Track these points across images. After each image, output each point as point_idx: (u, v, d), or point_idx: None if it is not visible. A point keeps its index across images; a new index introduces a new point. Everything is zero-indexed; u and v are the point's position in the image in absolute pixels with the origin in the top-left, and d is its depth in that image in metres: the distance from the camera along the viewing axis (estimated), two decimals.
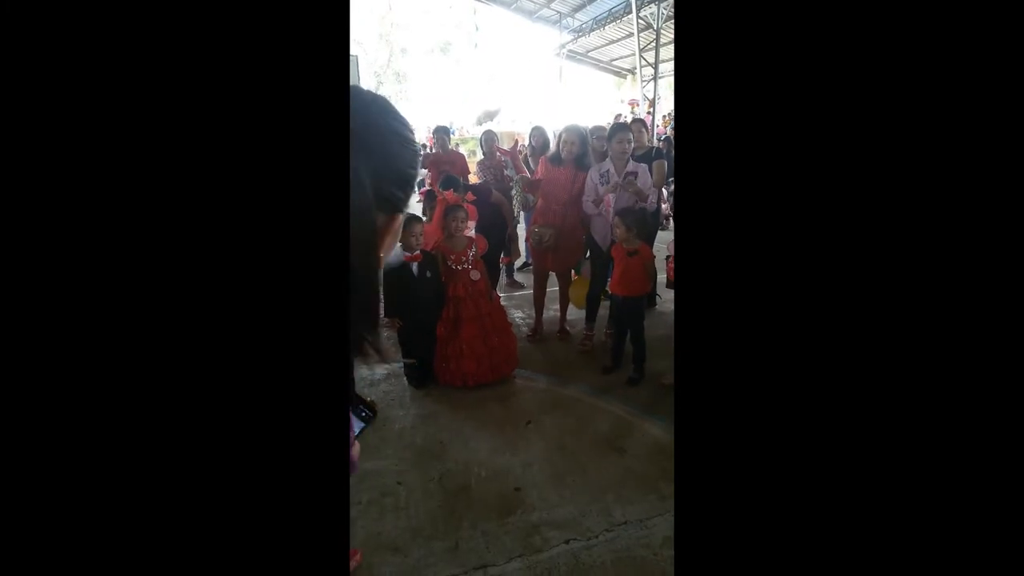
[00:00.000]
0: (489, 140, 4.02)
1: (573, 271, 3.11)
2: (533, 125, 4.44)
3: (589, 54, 14.09)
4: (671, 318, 3.51)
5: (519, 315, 3.64)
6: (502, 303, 2.97)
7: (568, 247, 2.96)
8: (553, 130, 4.18)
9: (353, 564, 1.49)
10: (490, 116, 6.70)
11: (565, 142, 2.89)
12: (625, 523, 1.66)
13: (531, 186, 3.23)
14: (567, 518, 1.69)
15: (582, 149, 2.92)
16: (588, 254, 3.07)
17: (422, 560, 1.53)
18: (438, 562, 1.53)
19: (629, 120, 4.95)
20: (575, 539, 1.60)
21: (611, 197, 2.79)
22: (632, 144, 2.87)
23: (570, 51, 14.23)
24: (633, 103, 12.62)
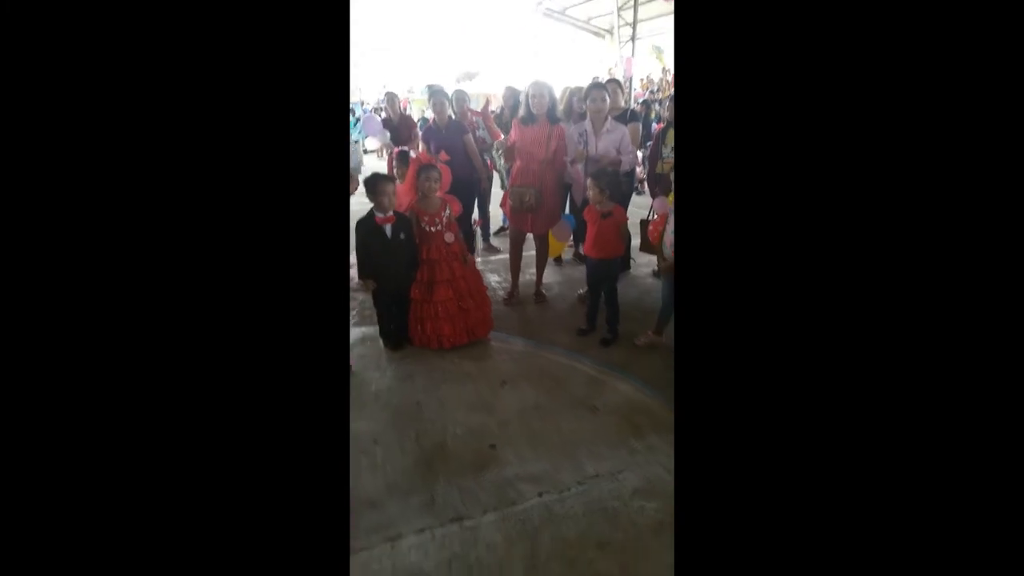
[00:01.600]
0: (460, 100, 3.80)
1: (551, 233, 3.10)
2: (506, 86, 4.31)
3: (567, 12, 13.67)
4: (645, 281, 3.56)
5: (495, 279, 3.64)
6: (478, 267, 2.96)
7: (548, 207, 2.94)
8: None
9: None
10: (469, 76, 6.49)
11: (532, 97, 2.84)
12: (596, 476, 1.72)
13: (508, 152, 3.17)
14: (540, 472, 1.74)
15: (551, 103, 2.88)
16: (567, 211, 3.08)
17: (398, 514, 1.57)
18: (414, 516, 1.56)
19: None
20: (548, 492, 1.65)
21: (580, 167, 2.77)
22: (607, 103, 2.84)
23: (547, 9, 13.77)
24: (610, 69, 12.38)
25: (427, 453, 1.85)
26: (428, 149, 3.40)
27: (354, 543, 1.46)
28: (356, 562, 1.40)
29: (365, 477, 1.73)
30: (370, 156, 7.74)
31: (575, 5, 13.28)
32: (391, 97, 4.71)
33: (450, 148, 3.10)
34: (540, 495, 1.64)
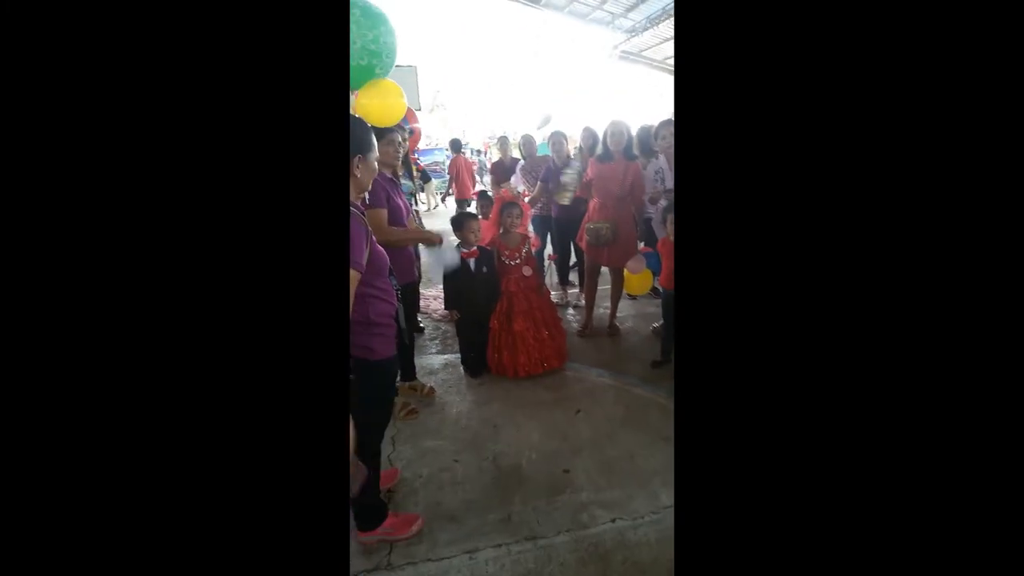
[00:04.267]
0: (558, 141, 3.68)
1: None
2: (584, 127, 4.49)
3: (643, 53, 13.89)
4: None
5: (570, 312, 3.73)
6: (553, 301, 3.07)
7: (623, 241, 3.02)
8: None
9: (416, 528, 1.64)
10: (546, 121, 6.81)
11: (611, 136, 2.97)
12: (671, 507, 1.71)
13: (583, 188, 3.31)
14: (614, 500, 1.76)
15: (627, 141, 3.00)
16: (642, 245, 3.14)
17: (477, 529, 1.66)
18: (491, 531, 1.64)
19: None
20: (621, 519, 1.67)
21: (662, 203, 2.85)
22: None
23: (623, 51, 14.08)
24: None
25: (504, 474, 1.94)
26: (547, 188, 3.59)
27: (434, 552, 1.57)
28: (437, 570, 1.50)
29: (446, 492, 1.85)
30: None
31: (651, 47, 13.48)
32: (504, 141, 4.99)
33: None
34: (613, 520, 1.66)
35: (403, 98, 2.37)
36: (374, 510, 1.60)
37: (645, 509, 1.71)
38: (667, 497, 1.75)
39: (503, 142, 4.95)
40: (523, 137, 4.13)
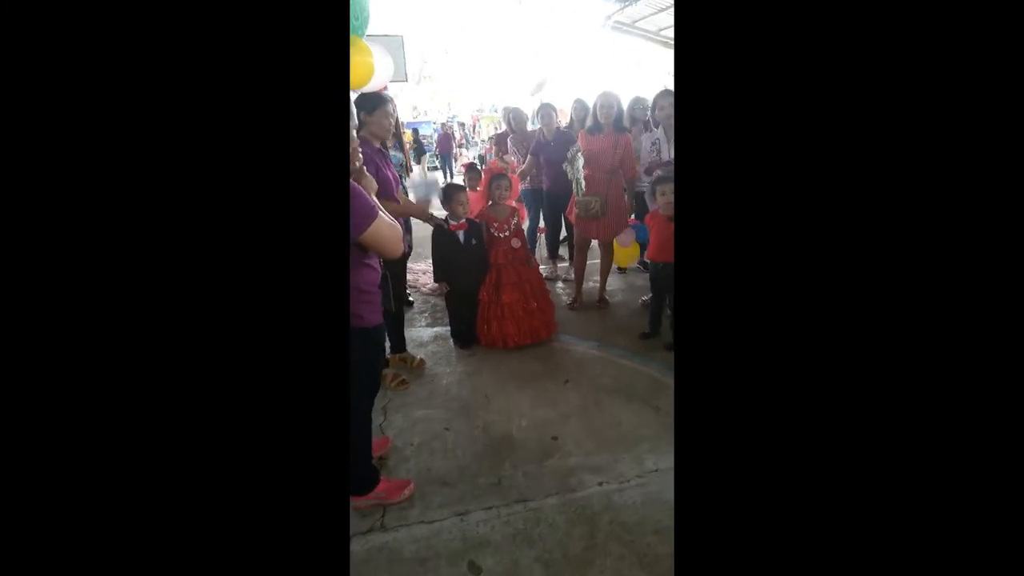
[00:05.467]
0: (547, 114, 3.60)
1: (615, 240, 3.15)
2: (575, 99, 4.43)
3: (636, 24, 13.63)
4: None
5: (559, 286, 3.74)
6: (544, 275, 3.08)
7: (613, 215, 3.02)
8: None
9: (408, 492, 1.68)
10: (540, 87, 6.69)
11: (601, 108, 2.94)
12: (657, 471, 1.76)
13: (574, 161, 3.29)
14: (602, 464, 1.81)
15: (618, 113, 2.98)
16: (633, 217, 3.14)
17: (468, 492, 1.70)
18: (482, 495, 1.68)
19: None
20: (608, 482, 1.72)
21: (657, 174, 2.83)
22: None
23: (616, 22, 13.81)
24: None
25: (494, 441, 1.97)
26: (538, 161, 3.55)
27: (426, 515, 1.61)
28: (430, 531, 1.54)
29: (437, 458, 1.88)
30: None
31: (645, 17, 13.24)
32: (506, 112, 4.75)
33: (559, 160, 3.15)
34: (600, 484, 1.71)
35: (372, 57, 2.29)
36: (367, 475, 1.63)
37: (632, 473, 1.76)
38: (652, 462, 1.81)
39: (506, 113, 4.87)
40: (509, 109, 4.01)
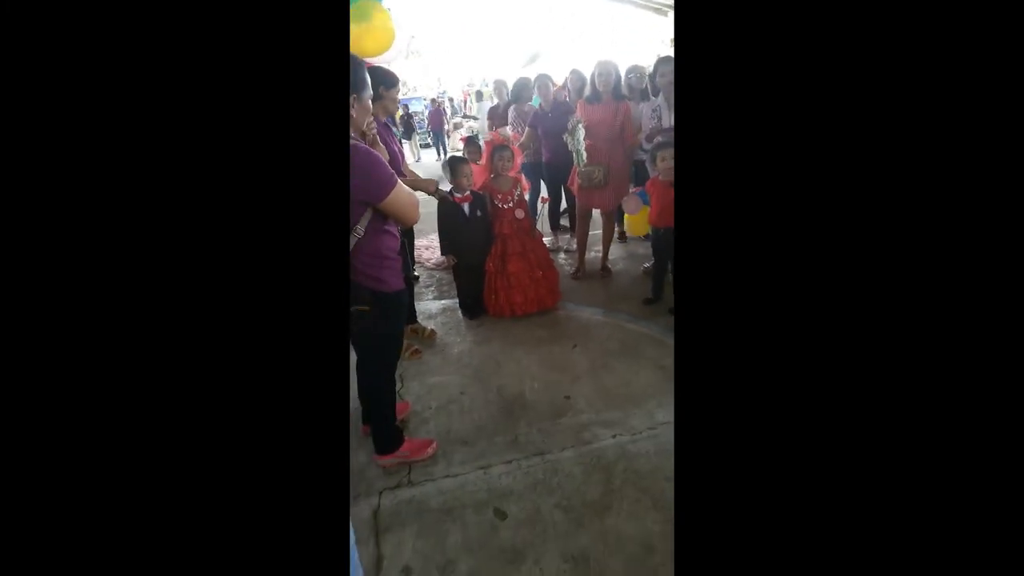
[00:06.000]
0: (544, 85, 3.62)
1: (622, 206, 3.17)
2: (571, 69, 4.40)
3: None
4: None
5: (561, 256, 3.80)
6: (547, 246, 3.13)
7: (616, 184, 3.06)
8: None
9: (431, 450, 1.76)
10: (533, 58, 6.62)
11: (599, 76, 2.95)
12: (667, 423, 1.85)
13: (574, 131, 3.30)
14: (613, 419, 1.90)
15: (616, 81, 3.00)
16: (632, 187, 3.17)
17: (488, 449, 1.79)
18: (501, 450, 1.77)
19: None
20: (621, 435, 1.81)
21: (658, 140, 2.86)
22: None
23: None
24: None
25: (508, 402, 2.06)
26: (536, 133, 3.55)
27: (450, 470, 1.69)
28: (455, 484, 1.63)
29: (455, 420, 1.97)
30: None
31: None
32: (499, 84, 4.78)
33: (558, 131, 3.17)
34: (614, 436, 1.80)
35: (390, 21, 2.31)
36: (391, 436, 1.71)
37: (643, 426, 1.85)
38: (662, 415, 1.90)
39: (499, 86, 4.83)
40: (539, 77, 3.89)
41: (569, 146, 2.98)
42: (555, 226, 4.17)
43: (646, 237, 3.72)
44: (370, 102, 1.44)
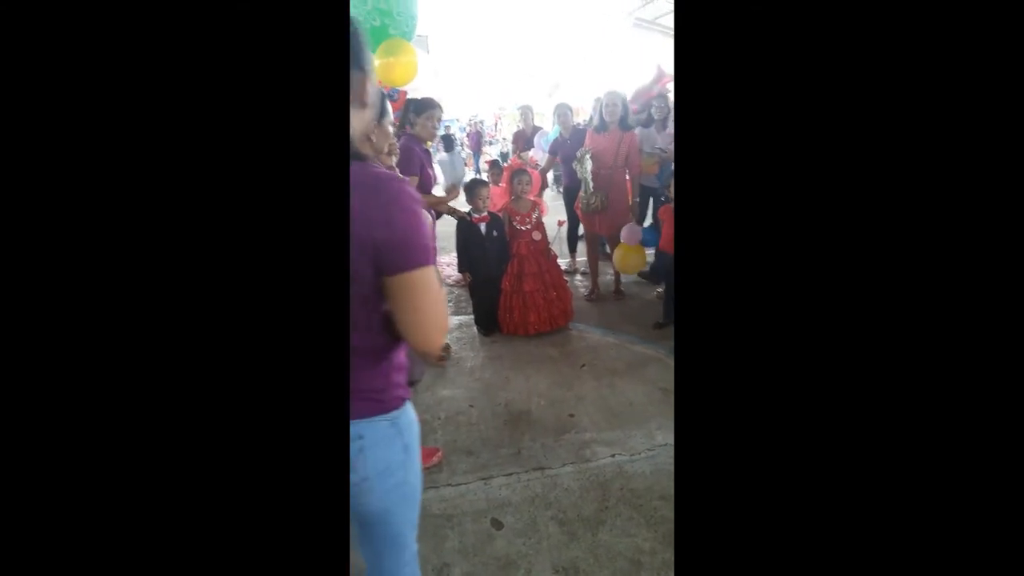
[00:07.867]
0: (564, 114, 3.73)
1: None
2: (595, 97, 4.52)
3: (658, 20, 13.60)
4: None
5: (578, 278, 3.88)
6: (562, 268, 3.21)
7: (616, 210, 3.14)
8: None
9: (436, 459, 1.84)
10: (556, 87, 6.82)
11: (606, 106, 3.06)
12: (665, 445, 1.89)
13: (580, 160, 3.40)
14: (614, 439, 1.95)
15: (623, 111, 3.10)
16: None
17: (490, 460, 1.86)
18: (503, 463, 1.84)
19: None
20: (620, 454, 1.86)
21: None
22: None
23: (637, 19, 13.79)
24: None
25: (514, 417, 2.13)
26: (554, 160, 3.70)
27: (452, 479, 1.77)
28: (456, 492, 1.70)
29: (462, 431, 2.04)
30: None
31: (665, 14, 13.19)
32: (525, 110, 5.01)
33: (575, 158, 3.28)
34: (613, 456, 1.85)
35: (415, 56, 2.49)
36: None
37: (642, 447, 1.89)
38: (662, 437, 1.94)
39: (525, 111, 5.01)
40: (559, 107, 4.01)
41: (578, 174, 3.09)
42: (572, 248, 4.26)
43: (641, 275, 3.67)
44: (390, 127, 1.59)
